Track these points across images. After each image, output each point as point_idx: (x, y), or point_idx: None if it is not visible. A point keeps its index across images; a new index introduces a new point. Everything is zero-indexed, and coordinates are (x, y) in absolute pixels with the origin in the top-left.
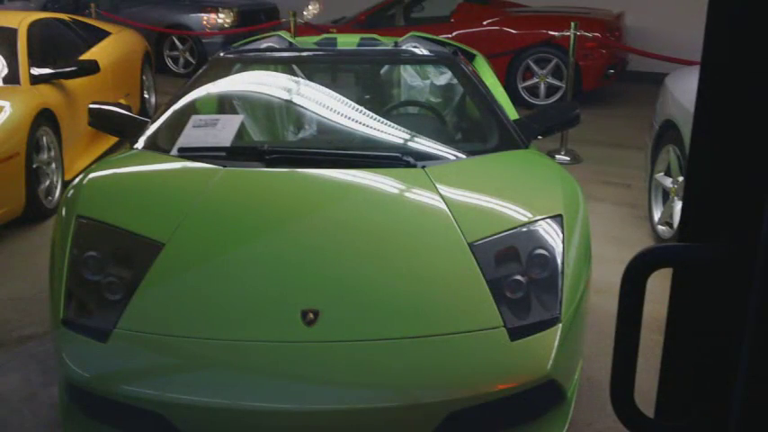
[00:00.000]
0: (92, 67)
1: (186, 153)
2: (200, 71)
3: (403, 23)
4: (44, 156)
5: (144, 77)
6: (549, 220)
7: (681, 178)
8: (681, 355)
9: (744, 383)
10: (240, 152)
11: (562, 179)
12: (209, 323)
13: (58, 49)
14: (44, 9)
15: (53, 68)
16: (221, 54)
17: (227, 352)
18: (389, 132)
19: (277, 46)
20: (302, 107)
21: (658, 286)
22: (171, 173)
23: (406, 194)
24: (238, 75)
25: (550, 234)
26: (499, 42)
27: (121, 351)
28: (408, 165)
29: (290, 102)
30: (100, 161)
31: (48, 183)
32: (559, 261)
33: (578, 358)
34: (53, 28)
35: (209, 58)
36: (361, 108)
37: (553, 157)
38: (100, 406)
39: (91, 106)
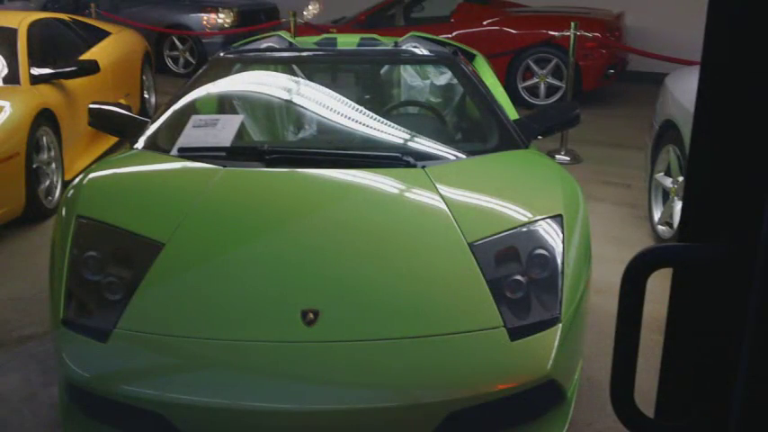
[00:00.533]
0: (92, 67)
1: (186, 153)
2: (200, 71)
3: (403, 23)
4: (44, 156)
5: (144, 77)
6: (549, 220)
7: (681, 178)
8: (681, 355)
9: (744, 383)
10: (240, 152)
11: (562, 179)
12: (209, 323)
13: (58, 49)
14: (44, 9)
15: (53, 68)
16: (221, 54)
17: (227, 352)
18: (389, 132)
19: (277, 46)
20: (302, 107)
21: (658, 286)
22: (171, 173)
23: (406, 194)
24: (238, 75)
25: (550, 234)
26: (499, 42)
27: (121, 351)
28: (408, 165)
29: (290, 102)
30: (100, 161)
31: (48, 183)
32: (559, 261)
33: (578, 358)
34: (53, 28)
35: (209, 58)
36: (361, 108)
37: (553, 157)
38: (100, 406)
39: (91, 106)
